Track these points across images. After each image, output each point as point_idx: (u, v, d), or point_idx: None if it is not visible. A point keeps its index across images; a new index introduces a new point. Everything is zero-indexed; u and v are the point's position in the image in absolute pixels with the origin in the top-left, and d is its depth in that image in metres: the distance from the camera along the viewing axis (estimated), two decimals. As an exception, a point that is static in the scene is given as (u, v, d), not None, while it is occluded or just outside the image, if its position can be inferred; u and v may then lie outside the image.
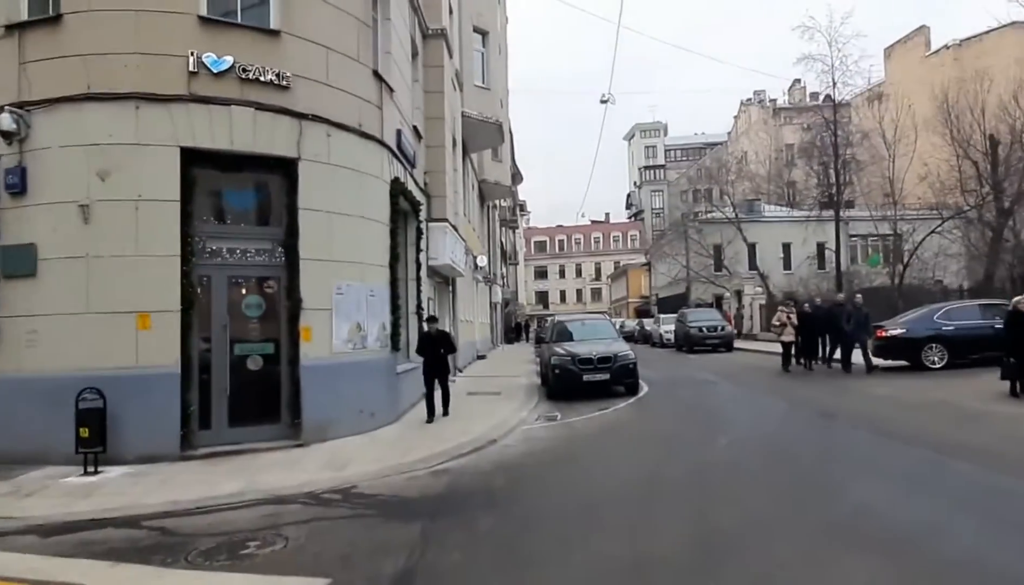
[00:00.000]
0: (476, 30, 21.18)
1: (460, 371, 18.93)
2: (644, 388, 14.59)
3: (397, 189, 11.51)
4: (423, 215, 14.29)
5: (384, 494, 7.10)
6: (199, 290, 8.78)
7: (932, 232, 29.54)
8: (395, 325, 11.15)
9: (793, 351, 17.64)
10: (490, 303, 35.07)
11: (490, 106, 21.75)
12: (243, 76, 8.89)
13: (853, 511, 5.68)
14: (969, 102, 30.17)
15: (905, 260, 30.14)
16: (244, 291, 9.38)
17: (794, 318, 17.53)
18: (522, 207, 73.20)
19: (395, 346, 11.15)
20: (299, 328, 9.25)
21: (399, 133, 12.00)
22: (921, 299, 27.20)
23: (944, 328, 15.31)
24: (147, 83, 8.51)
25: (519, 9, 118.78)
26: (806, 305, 18.18)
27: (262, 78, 9.02)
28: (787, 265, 42.59)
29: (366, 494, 7.15)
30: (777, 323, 17.88)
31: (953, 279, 33.67)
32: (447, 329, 18.00)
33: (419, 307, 13.62)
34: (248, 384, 9.14)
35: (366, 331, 10.20)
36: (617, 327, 17.15)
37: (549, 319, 24.90)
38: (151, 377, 8.30)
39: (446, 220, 15.24)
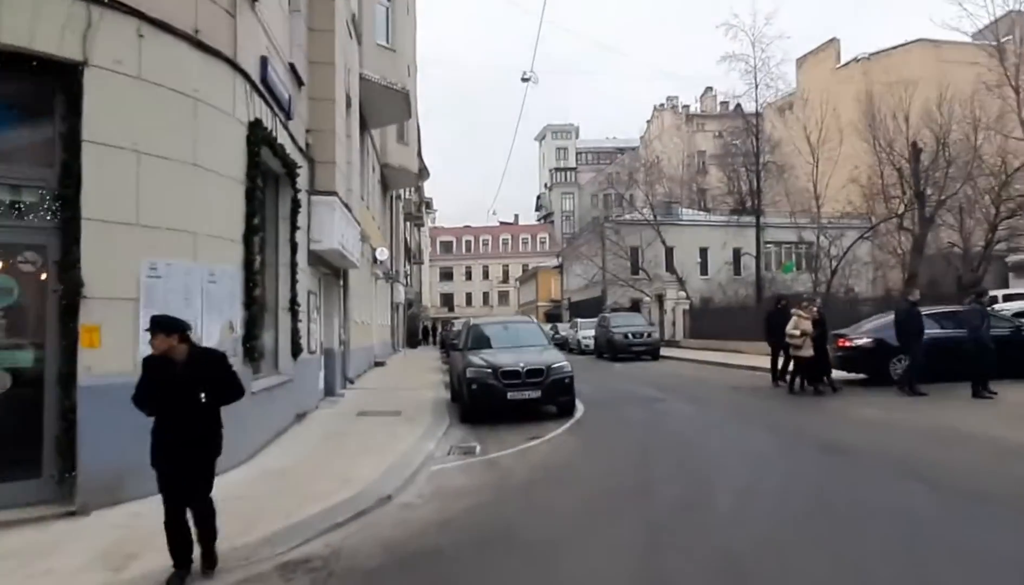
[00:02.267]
0: (380, -23, 18.00)
1: (352, 382, 15.62)
2: (580, 407, 11.84)
3: (260, 136, 8.24)
4: (303, 183, 11.02)
5: (181, 629, 3.91)
6: None
7: (861, 238, 28.57)
8: (251, 325, 7.87)
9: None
10: (391, 303, 31.64)
11: (395, 71, 18.57)
12: (-16, -83, 5.47)
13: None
14: (892, 108, 29.42)
15: (832, 267, 28.97)
16: (-19, 267, 5.91)
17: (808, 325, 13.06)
18: (428, 204, 69.91)
19: (250, 355, 7.87)
20: (78, 327, 5.87)
21: (265, 62, 8.73)
22: (835, 307, 25.89)
23: (915, 338, 13.33)
24: None
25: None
26: (815, 308, 13.62)
27: (21, -74, 5.62)
28: (704, 270, 41.37)
29: (148, 629, 3.95)
30: (797, 332, 12.92)
31: (867, 287, 33.08)
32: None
33: (294, 302, 10.34)
34: (-16, 416, 5.68)
35: (200, 334, 6.90)
36: (544, 329, 14.15)
37: (461, 322, 21.73)
38: None
39: (335, 194, 11.97)
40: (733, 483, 6.72)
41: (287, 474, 7.18)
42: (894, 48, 46.25)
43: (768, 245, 41.13)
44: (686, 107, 72.39)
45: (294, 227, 10.39)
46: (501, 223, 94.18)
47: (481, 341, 12.68)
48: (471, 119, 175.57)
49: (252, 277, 7.90)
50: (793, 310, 13.66)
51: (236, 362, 7.49)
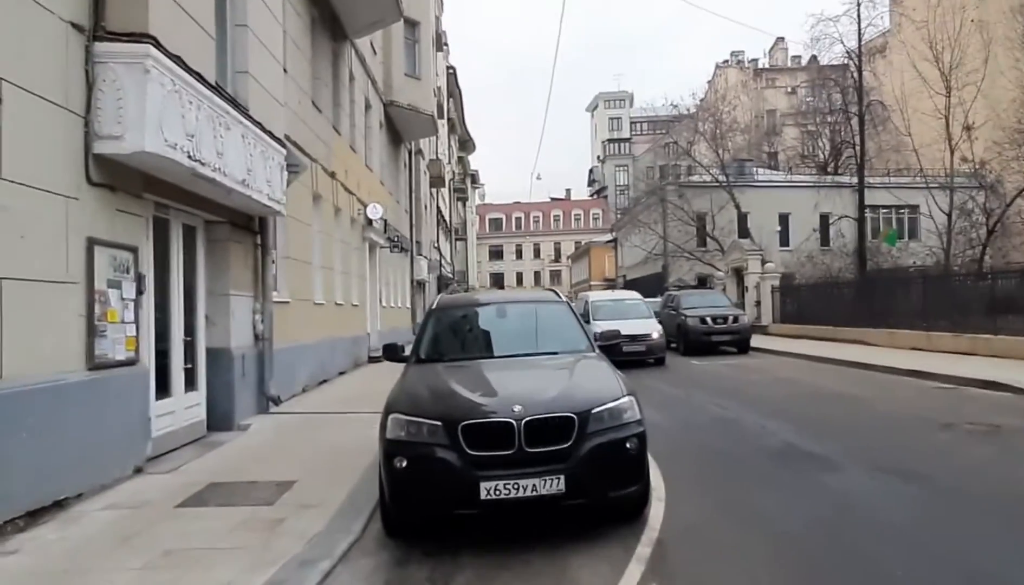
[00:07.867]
0: None
1: (276, 403, 9.62)
2: (659, 489, 5.55)
3: None
4: (68, 12, 5.02)
5: None
6: None
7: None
8: None
9: None
10: (411, 280, 25.75)
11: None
12: None
13: None
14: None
15: (990, 225, 21.78)
16: None
17: None
18: (474, 178, 64.19)
19: None
20: None
21: None
22: (955, 287, 17.88)
23: None
24: None
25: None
26: None
27: None
28: (785, 240, 34.04)
29: None
30: None
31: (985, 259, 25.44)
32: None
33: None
34: None
35: None
36: (580, 318, 7.17)
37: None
38: None
39: (150, 40, 5.83)
40: None
41: None
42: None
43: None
44: (754, 61, 64.08)
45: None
46: (552, 199, 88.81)
47: (451, 344, 6.33)
48: (523, 97, 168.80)
49: None
50: None
51: None
